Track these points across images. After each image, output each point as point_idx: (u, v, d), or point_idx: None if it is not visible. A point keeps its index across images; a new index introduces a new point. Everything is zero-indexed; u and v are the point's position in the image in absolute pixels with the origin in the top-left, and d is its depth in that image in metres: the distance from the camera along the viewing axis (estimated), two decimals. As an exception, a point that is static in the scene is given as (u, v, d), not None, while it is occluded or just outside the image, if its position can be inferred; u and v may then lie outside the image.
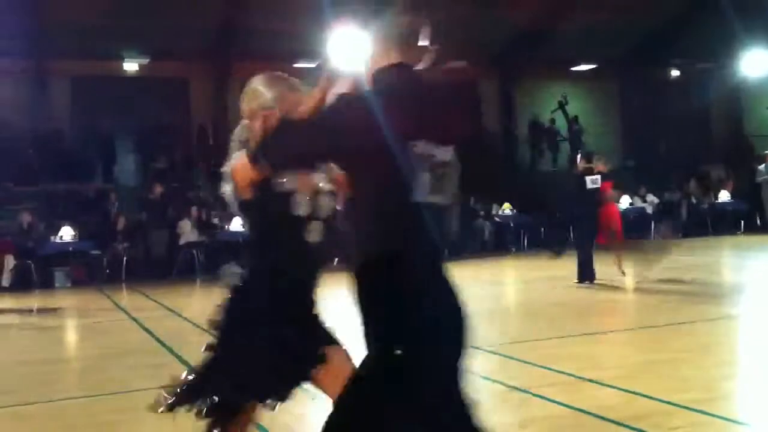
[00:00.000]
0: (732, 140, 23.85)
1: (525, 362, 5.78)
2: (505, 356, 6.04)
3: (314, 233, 2.80)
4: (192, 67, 19.21)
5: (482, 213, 17.62)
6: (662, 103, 22.15)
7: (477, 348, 6.61)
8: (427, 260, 2.47)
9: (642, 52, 21.68)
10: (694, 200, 19.91)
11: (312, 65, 16.79)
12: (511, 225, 17.45)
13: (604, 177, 10.77)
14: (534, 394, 4.83)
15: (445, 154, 2.51)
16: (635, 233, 16.13)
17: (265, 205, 2.74)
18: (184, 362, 5.63)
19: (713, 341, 6.58)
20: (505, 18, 19.43)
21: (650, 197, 19.05)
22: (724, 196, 19.91)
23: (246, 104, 2.88)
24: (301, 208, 2.77)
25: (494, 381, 5.17)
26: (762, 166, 18.81)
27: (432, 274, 2.47)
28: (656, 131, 22.07)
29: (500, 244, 17.47)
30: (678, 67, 22.92)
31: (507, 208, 17.32)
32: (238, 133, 2.88)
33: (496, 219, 17.65)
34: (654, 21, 20.90)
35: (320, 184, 2.83)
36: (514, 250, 17.06)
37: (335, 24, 14.55)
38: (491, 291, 10.98)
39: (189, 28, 17.55)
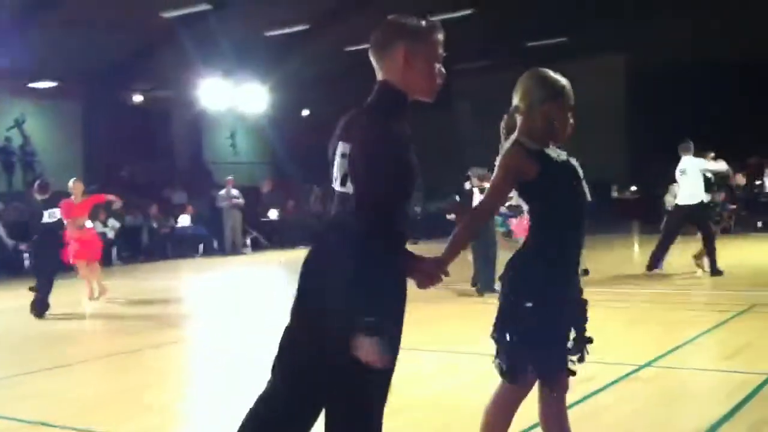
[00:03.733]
0: (192, 167, 25.15)
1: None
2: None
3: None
4: None
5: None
6: (126, 127, 22.15)
7: None
8: None
9: (106, 75, 21.43)
10: (155, 224, 20.38)
11: None
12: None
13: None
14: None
15: None
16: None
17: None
18: None
19: (168, 365, 6.82)
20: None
21: (111, 221, 18.87)
22: (184, 220, 20.79)
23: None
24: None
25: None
26: (222, 191, 20.24)
27: None
28: (120, 156, 22.05)
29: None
30: (141, 93, 23.21)
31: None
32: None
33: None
34: (120, 43, 20.72)
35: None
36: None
37: None
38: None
39: None
